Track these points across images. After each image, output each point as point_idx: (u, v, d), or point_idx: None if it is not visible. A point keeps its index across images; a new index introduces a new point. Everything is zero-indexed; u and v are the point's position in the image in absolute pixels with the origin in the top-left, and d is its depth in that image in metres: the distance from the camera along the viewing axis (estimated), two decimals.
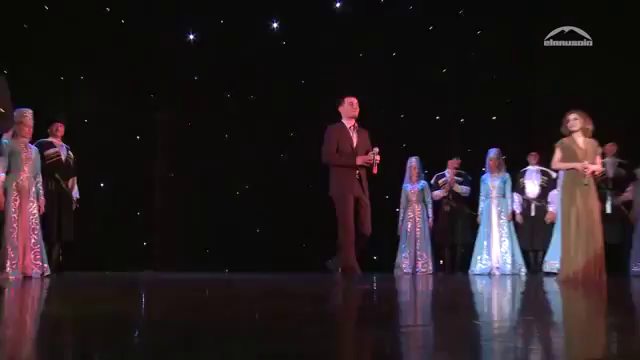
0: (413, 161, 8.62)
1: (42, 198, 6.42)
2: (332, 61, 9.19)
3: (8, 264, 5.90)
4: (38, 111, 7.42)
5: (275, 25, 9.45)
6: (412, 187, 8.60)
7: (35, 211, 6.29)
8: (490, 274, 8.01)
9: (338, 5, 9.56)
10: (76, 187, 7.20)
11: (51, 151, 6.89)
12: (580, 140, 6.26)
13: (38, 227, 6.31)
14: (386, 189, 9.01)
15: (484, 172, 8.37)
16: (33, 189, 6.29)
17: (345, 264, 5.52)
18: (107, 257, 8.07)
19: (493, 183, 8.21)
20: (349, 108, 5.65)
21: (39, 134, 6.75)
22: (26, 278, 6.04)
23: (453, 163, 8.54)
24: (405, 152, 8.89)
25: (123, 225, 8.54)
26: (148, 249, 8.87)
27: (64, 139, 7.13)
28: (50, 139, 6.98)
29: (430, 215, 8.59)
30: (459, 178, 8.52)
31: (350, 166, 5.54)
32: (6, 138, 6.11)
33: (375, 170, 5.61)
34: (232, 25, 9.19)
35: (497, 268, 8.05)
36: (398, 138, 9.39)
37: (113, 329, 2.48)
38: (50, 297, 4.26)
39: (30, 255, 6.16)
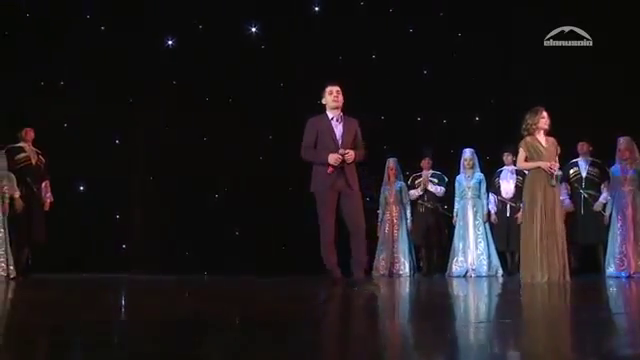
0: (391, 162, 8.60)
1: (7, 201, 6.53)
2: (311, 64, 9.20)
3: None
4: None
5: (254, 29, 9.50)
6: (389, 188, 8.57)
7: (0, 215, 6.39)
8: (466, 276, 7.94)
9: (317, 9, 9.58)
10: (49, 190, 7.29)
11: (21, 156, 7.02)
12: (542, 138, 6.18)
13: (3, 230, 6.40)
14: (366, 191, 8.98)
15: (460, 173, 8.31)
16: None
17: (326, 265, 5.15)
18: (85, 259, 8.16)
19: (468, 184, 8.14)
20: (329, 98, 5.20)
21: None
22: None
23: (426, 163, 8.50)
24: (386, 154, 8.88)
25: (102, 228, 8.63)
26: (127, 252, 8.94)
27: (35, 143, 7.24)
28: (20, 144, 7.10)
29: (409, 216, 8.54)
30: (434, 179, 8.46)
31: (325, 163, 5.04)
32: None
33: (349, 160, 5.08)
34: (211, 29, 9.26)
35: (473, 270, 7.97)
36: (379, 140, 9.37)
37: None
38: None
39: None
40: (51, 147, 7.70)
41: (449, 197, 8.42)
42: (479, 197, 8.13)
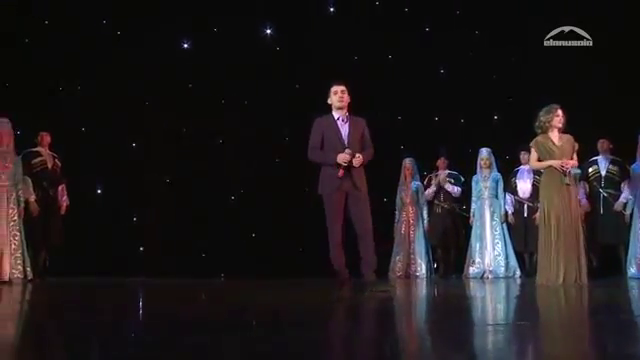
0: (407, 162, 8.53)
1: (22, 205, 6.63)
2: (327, 64, 9.15)
3: None
4: (40, 121, 7.78)
5: (269, 31, 9.50)
6: (405, 189, 8.50)
7: (16, 217, 6.50)
8: (483, 277, 7.82)
9: (332, 9, 9.54)
10: (65, 193, 7.37)
11: (37, 160, 7.11)
12: (556, 137, 6.04)
13: (19, 233, 6.50)
14: (385, 191, 8.94)
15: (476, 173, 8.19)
16: (13, 196, 6.50)
17: (334, 266, 5.14)
18: (102, 262, 8.22)
19: (485, 183, 8.02)
20: (334, 98, 5.17)
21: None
22: (3, 282, 6.25)
23: (441, 163, 8.41)
24: (403, 154, 8.81)
25: (119, 230, 8.69)
26: (144, 254, 8.99)
27: (51, 147, 7.33)
28: (37, 148, 7.20)
29: (425, 217, 8.45)
30: (450, 179, 8.37)
31: (334, 164, 5.02)
32: None
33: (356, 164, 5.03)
34: (226, 32, 9.28)
35: (490, 271, 7.84)
36: (396, 139, 9.32)
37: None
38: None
39: (10, 260, 6.36)
40: (69, 150, 7.80)
41: (466, 197, 8.32)
42: (496, 197, 8.00)
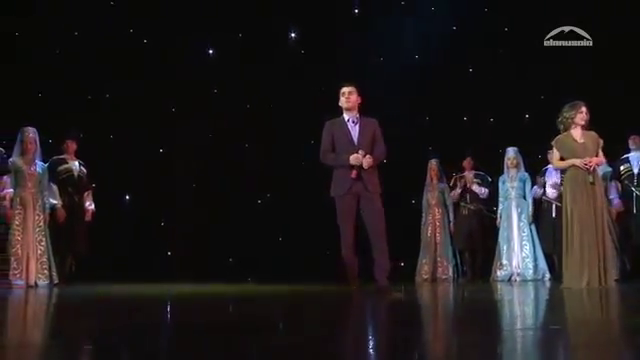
0: (433, 163, 8.41)
1: (48, 211, 6.81)
2: (352, 66, 9.12)
3: (11, 273, 6.31)
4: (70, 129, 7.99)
5: (293, 35, 9.52)
6: (431, 190, 8.36)
7: (42, 224, 6.68)
8: (511, 280, 7.61)
9: (356, 11, 9.49)
10: (91, 200, 7.52)
11: (63, 167, 7.25)
12: (578, 134, 5.83)
13: (45, 239, 6.68)
14: (413, 192, 8.84)
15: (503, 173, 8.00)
16: (39, 203, 6.69)
17: (346, 268, 5.15)
18: (130, 267, 8.37)
19: (512, 184, 7.82)
20: (342, 100, 5.15)
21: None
22: (30, 287, 6.43)
23: (467, 163, 8.24)
24: (431, 154, 8.69)
25: (147, 236, 8.84)
26: (172, 259, 9.12)
27: (77, 154, 7.50)
28: (63, 156, 7.36)
29: (451, 219, 8.29)
30: (477, 180, 8.19)
31: (346, 165, 5.01)
32: (13, 156, 6.60)
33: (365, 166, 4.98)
34: (250, 37, 9.35)
35: (518, 274, 7.63)
36: (423, 140, 9.20)
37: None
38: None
39: (36, 265, 6.55)
40: (97, 157, 7.99)
41: (493, 198, 8.12)
42: (524, 197, 7.78)
